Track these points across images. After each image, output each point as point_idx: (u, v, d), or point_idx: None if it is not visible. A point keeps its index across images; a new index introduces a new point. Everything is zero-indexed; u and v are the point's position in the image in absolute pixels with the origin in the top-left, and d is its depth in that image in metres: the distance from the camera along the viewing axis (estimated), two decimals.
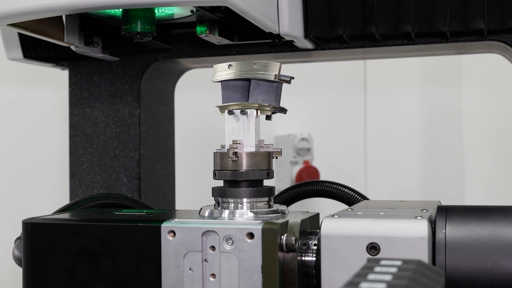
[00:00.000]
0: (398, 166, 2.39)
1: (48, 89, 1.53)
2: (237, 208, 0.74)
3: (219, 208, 0.75)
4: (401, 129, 2.40)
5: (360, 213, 0.73)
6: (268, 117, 0.77)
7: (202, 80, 1.62)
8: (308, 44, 1.01)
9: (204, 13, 0.90)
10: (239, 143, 0.74)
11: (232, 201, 0.74)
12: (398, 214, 0.71)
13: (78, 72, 1.21)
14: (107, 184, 1.18)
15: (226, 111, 0.75)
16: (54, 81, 1.50)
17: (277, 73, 0.74)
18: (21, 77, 1.51)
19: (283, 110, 0.77)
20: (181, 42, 1.13)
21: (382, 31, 0.97)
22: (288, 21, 0.92)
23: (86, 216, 0.76)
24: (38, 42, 1.13)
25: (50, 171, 1.52)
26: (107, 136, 1.19)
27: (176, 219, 0.72)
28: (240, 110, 0.75)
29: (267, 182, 0.78)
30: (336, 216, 0.71)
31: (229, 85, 0.76)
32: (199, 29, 0.93)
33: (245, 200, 0.74)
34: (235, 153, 0.73)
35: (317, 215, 0.79)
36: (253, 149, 0.75)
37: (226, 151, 0.74)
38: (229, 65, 0.76)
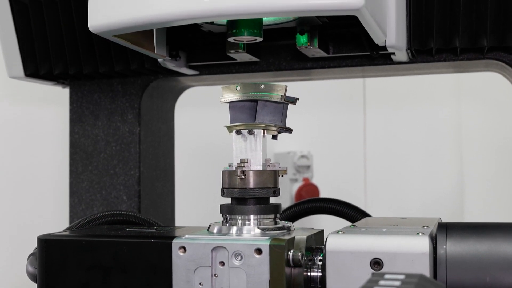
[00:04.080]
0: (398, 183, 2.44)
1: (49, 107, 1.58)
2: (244, 225, 0.79)
3: (227, 224, 0.80)
4: (401, 146, 2.46)
5: (363, 229, 0.79)
6: (274, 137, 0.83)
7: (202, 98, 1.68)
8: (404, 57, 1.05)
9: (305, 19, 0.93)
10: (247, 162, 0.79)
11: (240, 218, 0.80)
12: (400, 231, 0.77)
13: (79, 90, 1.25)
14: (107, 202, 1.22)
15: (234, 131, 0.81)
16: (55, 99, 1.55)
17: (283, 95, 0.80)
18: (22, 95, 1.55)
19: (289, 130, 0.83)
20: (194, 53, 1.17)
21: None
22: (395, 32, 0.95)
23: (99, 233, 0.81)
24: (39, 60, 1.17)
25: (50, 188, 1.56)
26: (107, 154, 1.23)
27: (186, 236, 0.77)
28: (247, 130, 0.80)
29: (272, 200, 0.83)
30: (340, 232, 0.76)
31: (236, 106, 0.82)
32: (301, 40, 0.97)
33: (252, 217, 0.79)
34: (243, 172, 0.78)
35: (322, 231, 0.85)
36: (260, 168, 0.80)
37: (234, 169, 0.80)
38: (236, 86, 0.81)
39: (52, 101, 1.57)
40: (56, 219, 1.31)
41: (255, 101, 0.81)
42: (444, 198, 2.45)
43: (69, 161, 1.25)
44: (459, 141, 2.48)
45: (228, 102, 0.82)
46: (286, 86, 0.81)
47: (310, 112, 2.18)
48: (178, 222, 1.37)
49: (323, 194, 2.14)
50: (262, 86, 0.81)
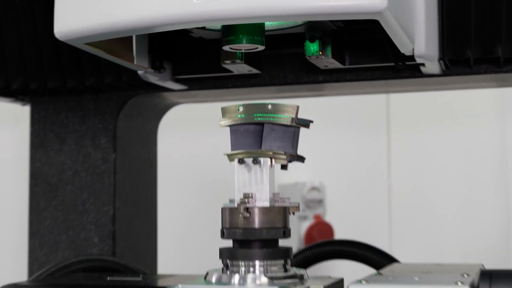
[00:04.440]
0: (430, 221, 2.44)
1: (5, 129, 1.59)
2: (249, 272, 0.79)
3: (228, 272, 0.80)
4: (432, 176, 2.46)
5: (391, 278, 0.79)
6: (284, 167, 0.83)
7: (191, 117, 1.68)
8: (435, 69, 1.06)
9: (316, 24, 0.94)
10: (251, 197, 0.79)
11: (243, 264, 0.80)
12: (435, 280, 0.77)
13: (42, 109, 1.26)
14: (74, 245, 1.22)
15: (236, 160, 0.81)
16: (12, 119, 1.56)
17: (294, 116, 0.81)
18: None
19: (301, 159, 0.83)
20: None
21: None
22: (425, 39, 0.94)
23: (74, 283, 0.81)
24: None
25: (5, 228, 1.56)
26: (75, 186, 1.23)
27: (180, 286, 0.77)
28: (252, 158, 0.80)
29: (282, 242, 0.83)
30: (364, 282, 0.77)
31: (239, 130, 0.82)
32: (311, 48, 0.97)
33: (258, 263, 0.79)
34: (247, 209, 0.78)
35: (341, 281, 0.85)
36: (267, 204, 0.80)
37: (236, 206, 0.80)
38: (239, 107, 0.82)
39: (9, 122, 1.58)
40: (13, 266, 1.30)
41: (261, 124, 0.82)
42: (487, 239, 2.45)
43: (29, 195, 1.25)
44: (504, 169, 2.49)
45: (229, 126, 0.83)
46: (298, 107, 0.81)
47: (322, 135, 2.19)
48: (162, 268, 1.37)
49: (338, 235, 2.14)
50: (270, 107, 0.81)
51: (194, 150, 1.80)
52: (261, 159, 0.80)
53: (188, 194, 1.76)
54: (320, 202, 2.11)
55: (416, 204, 2.43)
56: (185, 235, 1.67)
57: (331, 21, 0.94)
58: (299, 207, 0.83)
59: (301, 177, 2.08)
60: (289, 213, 0.82)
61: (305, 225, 2.05)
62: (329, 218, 2.13)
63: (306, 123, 0.82)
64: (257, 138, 0.82)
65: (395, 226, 2.40)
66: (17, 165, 1.55)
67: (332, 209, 2.17)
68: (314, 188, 2.10)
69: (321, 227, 2.05)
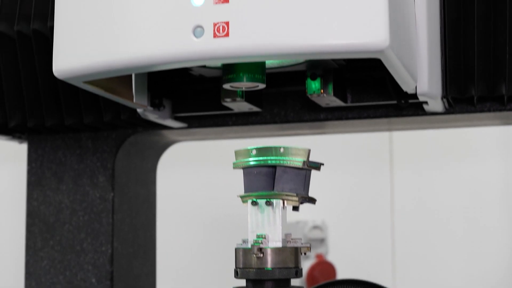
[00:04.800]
0: (434, 261, 2.42)
1: (1, 167, 1.58)
2: None
3: None
4: (437, 215, 2.44)
5: None
6: (295, 208, 0.86)
7: (191, 155, 1.68)
8: (438, 107, 1.06)
9: (318, 61, 0.95)
10: (264, 238, 0.83)
11: None
12: None
13: (39, 146, 1.26)
14: (71, 286, 1.21)
15: (249, 201, 0.84)
16: (9, 157, 1.55)
17: (305, 160, 0.84)
18: None
19: (312, 201, 0.86)
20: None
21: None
22: (428, 77, 0.95)
23: None
24: None
25: (0, 269, 1.55)
26: (72, 226, 1.22)
27: None
28: (265, 200, 0.84)
29: (294, 282, 0.85)
30: None
31: (252, 172, 0.85)
32: (312, 86, 0.99)
33: None
34: (260, 249, 0.82)
35: None
36: (279, 244, 0.83)
37: (249, 246, 0.83)
38: (251, 150, 0.85)
39: (6, 160, 1.57)
40: None
41: (274, 166, 0.85)
42: (494, 281, 2.42)
43: (26, 234, 1.24)
44: (509, 207, 2.47)
45: (242, 168, 0.86)
46: (309, 150, 0.84)
47: (323, 173, 2.18)
48: None
49: (341, 274, 2.12)
50: (282, 150, 0.84)
51: (193, 188, 1.79)
52: (274, 201, 0.84)
53: (187, 234, 1.75)
54: (322, 241, 2.10)
55: (420, 243, 2.41)
56: (184, 276, 1.65)
57: (333, 59, 0.94)
58: (310, 248, 0.86)
59: (303, 215, 2.07)
60: (301, 253, 0.85)
61: (307, 264, 2.03)
62: (331, 257, 2.11)
63: (317, 166, 0.86)
64: (270, 180, 0.85)
65: (399, 265, 2.38)
66: (14, 204, 1.54)
67: (334, 248, 2.15)
68: (316, 227, 2.09)
69: (323, 267, 2.04)
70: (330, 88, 0.99)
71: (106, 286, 1.20)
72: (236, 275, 0.84)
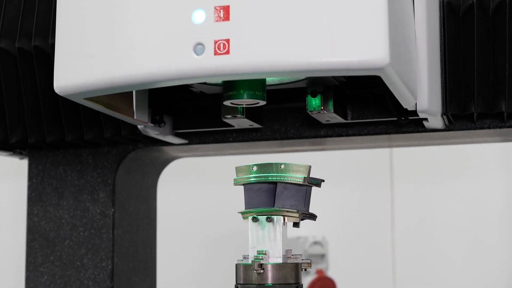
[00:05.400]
0: (435, 278, 2.41)
1: (2, 183, 1.58)
2: None
3: None
4: (437, 231, 2.44)
5: None
6: (296, 224, 0.87)
7: (192, 171, 1.68)
8: (438, 124, 1.06)
9: (318, 78, 0.95)
10: (265, 254, 0.83)
11: None
12: None
13: (40, 162, 1.26)
14: None
15: (250, 218, 0.85)
16: (10, 173, 1.55)
17: (306, 176, 0.85)
18: None
19: (313, 217, 0.87)
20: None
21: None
22: (428, 94, 0.96)
23: None
24: None
25: (1, 285, 1.55)
26: (73, 242, 1.22)
27: None
28: (265, 216, 0.85)
29: None
30: None
31: (252, 189, 0.86)
32: (313, 103, 0.99)
33: None
34: (261, 265, 0.82)
35: None
36: (280, 260, 0.84)
37: (250, 262, 0.83)
38: (252, 166, 0.86)
39: (6, 175, 1.57)
40: None
41: (274, 183, 0.86)
42: None
43: (26, 250, 1.24)
44: (510, 223, 2.47)
45: (243, 185, 0.87)
46: (310, 166, 0.85)
47: (324, 189, 2.18)
48: None
49: None
50: (282, 166, 0.85)
51: (194, 205, 1.79)
52: (275, 217, 0.85)
53: (188, 250, 1.75)
54: (322, 256, 2.10)
55: (420, 258, 2.40)
56: None
57: (333, 76, 0.94)
58: (311, 264, 0.87)
59: (303, 231, 2.07)
60: (301, 270, 0.86)
61: (307, 280, 2.03)
62: (332, 273, 2.11)
63: (318, 182, 0.86)
64: (270, 196, 0.86)
65: (399, 281, 2.37)
66: (14, 219, 1.54)
67: (334, 264, 2.15)
68: (316, 243, 2.09)
69: (324, 283, 2.03)
70: (331, 105, 0.99)
71: None
72: None
